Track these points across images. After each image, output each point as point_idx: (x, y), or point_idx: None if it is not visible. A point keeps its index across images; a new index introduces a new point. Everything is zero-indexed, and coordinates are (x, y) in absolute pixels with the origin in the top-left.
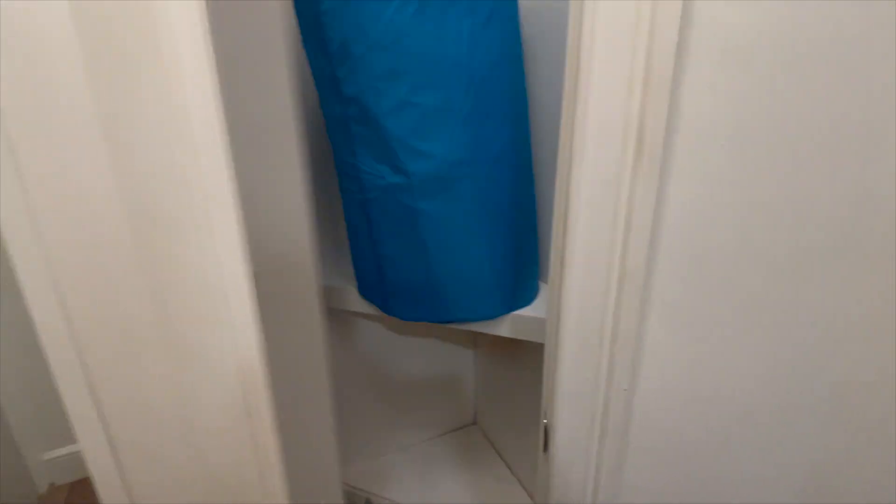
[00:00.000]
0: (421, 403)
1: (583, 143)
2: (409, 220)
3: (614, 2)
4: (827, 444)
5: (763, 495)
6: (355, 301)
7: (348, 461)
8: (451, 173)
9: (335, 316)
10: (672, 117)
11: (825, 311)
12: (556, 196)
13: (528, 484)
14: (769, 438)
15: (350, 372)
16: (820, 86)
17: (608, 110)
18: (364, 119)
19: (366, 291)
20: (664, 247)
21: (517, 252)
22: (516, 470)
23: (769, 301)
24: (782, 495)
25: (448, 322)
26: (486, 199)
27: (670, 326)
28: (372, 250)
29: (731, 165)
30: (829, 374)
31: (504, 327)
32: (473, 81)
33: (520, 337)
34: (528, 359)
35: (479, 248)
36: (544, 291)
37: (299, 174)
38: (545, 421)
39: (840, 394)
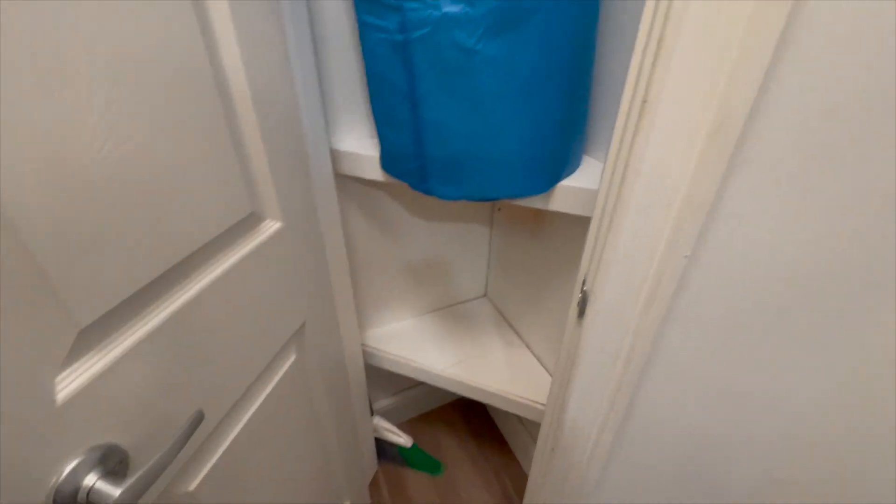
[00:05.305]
0: (435, 276)
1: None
2: (466, 68)
3: None
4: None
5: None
6: (373, 170)
7: (366, 325)
8: (522, 3)
9: (347, 183)
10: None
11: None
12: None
13: (535, 349)
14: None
15: (366, 241)
16: None
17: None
18: None
19: (392, 166)
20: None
21: (575, 114)
22: (524, 336)
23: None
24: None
25: (495, 199)
26: (554, 43)
27: (757, 191)
28: (411, 113)
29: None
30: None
31: (553, 201)
32: None
33: (570, 212)
34: (544, 234)
35: (541, 107)
36: (585, 162)
37: None
38: (585, 289)
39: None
